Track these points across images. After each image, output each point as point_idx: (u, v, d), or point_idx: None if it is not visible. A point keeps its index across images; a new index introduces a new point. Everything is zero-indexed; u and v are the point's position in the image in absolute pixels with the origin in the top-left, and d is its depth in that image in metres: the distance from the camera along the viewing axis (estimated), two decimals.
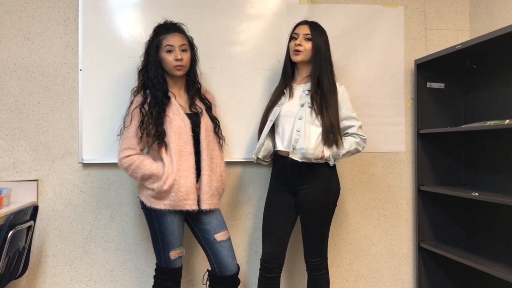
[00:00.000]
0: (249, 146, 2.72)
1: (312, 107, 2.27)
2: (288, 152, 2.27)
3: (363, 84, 2.87)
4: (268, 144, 2.38)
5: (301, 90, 2.36)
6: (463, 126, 2.66)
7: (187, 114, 2.24)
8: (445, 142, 2.94)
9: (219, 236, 2.26)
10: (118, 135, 2.29)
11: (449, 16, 3.03)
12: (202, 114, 2.30)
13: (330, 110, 2.25)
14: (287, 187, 2.36)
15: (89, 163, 2.60)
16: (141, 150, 2.22)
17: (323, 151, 2.25)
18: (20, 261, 2.34)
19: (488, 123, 2.38)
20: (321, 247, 2.37)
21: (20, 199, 2.52)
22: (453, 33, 3.03)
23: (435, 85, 2.92)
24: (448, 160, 2.95)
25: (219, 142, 2.38)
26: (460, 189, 2.66)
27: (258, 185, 2.79)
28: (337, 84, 2.35)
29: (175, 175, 2.12)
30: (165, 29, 2.27)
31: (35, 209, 2.40)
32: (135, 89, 2.30)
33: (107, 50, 2.58)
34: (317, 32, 2.32)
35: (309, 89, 2.32)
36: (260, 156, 2.39)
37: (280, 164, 2.36)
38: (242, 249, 2.79)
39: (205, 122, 2.29)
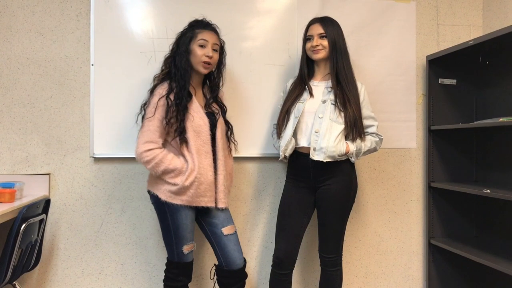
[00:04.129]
0: (257, 142, 2.73)
1: (335, 104, 2.27)
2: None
3: (374, 80, 2.86)
4: (293, 141, 2.33)
5: (324, 87, 2.35)
6: (475, 122, 2.64)
7: (205, 113, 2.24)
8: (457, 138, 2.92)
9: (226, 230, 2.26)
10: (136, 122, 2.31)
11: (461, 11, 3.00)
12: (219, 116, 2.32)
13: (352, 104, 2.26)
14: (307, 183, 2.35)
15: (101, 158, 2.62)
16: (163, 144, 2.18)
17: (347, 145, 2.25)
18: (32, 253, 2.36)
19: (501, 119, 2.37)
20: (337, 243, 2.37)
21: (32, 193, 2.55)
22: (465, 28, 3.01)
23: (447, 81, 2.90)
24: (459, 157, 2.93)
25: (229, 146, 2.44)
26: (472, 186, 2.64)
27: (267, 181, 2.80)
28: (359, 83, 2.35)
29: (197, 172, 2.12)
30: (203, 25, 2.26)
31: (47, 202, 2.42)
32: (157, 75, 2.27)
33: (119, 45, 2.59)
34: (330, 28, 2.30)
35: (331, 86, 2.31)
36: (287, 154, 2.35)
37: (302, 161, 2.33)
38: (252, 244, 2.80)
39: (221, 124, 2.32)
